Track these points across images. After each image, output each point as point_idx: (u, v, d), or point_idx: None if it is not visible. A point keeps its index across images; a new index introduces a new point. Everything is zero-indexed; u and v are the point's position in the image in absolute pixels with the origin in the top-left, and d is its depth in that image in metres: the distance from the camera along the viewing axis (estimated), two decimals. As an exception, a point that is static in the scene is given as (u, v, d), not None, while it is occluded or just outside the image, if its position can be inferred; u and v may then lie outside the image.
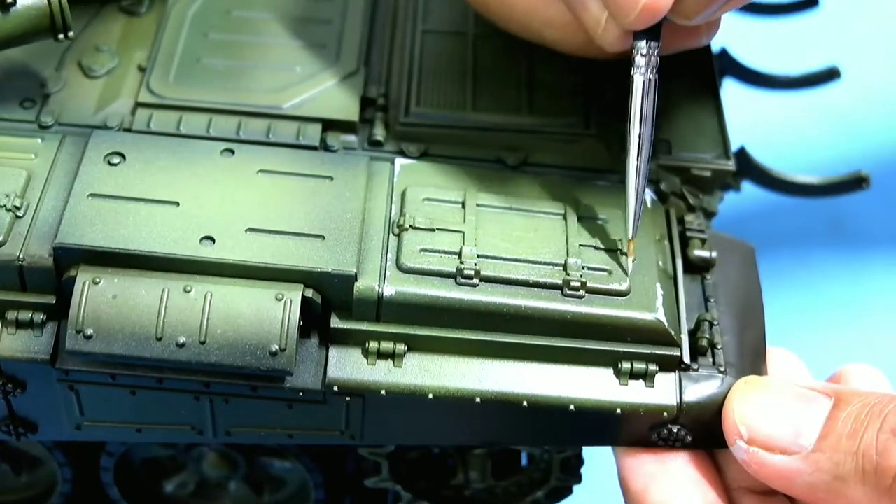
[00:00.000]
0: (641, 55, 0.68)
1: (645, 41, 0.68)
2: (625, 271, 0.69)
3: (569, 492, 0.82)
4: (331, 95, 0.77)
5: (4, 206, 0.67)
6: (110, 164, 0.70)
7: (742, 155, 0.83)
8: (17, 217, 0.67)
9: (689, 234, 0.75)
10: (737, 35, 0.95)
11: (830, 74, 0.96)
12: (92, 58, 0.79)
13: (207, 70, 0.78)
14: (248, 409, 0.70)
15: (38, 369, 0.68)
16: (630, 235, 0.69)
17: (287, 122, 0.75)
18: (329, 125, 0.76)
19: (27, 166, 0.70)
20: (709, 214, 0.78)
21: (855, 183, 0.85)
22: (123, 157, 0.70)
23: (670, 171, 0.77)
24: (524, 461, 0.84)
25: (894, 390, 0.75)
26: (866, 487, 0.63)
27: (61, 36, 0.72)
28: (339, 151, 0.75)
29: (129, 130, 0.74)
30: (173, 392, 0.69)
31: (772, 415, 0.67)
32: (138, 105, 0.76)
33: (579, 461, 0.79)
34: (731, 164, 0.77)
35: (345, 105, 0.77)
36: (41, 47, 0.77)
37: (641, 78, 0.68)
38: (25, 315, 0.67)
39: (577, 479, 0.80)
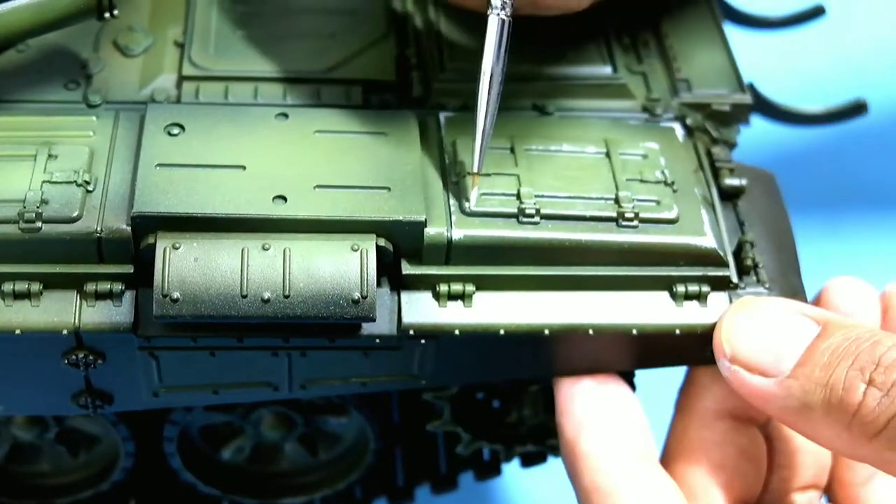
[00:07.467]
0: None
1: None
2: (671, 199, 0.73)
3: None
4: (366, 58, 0.80)
5: (75, 181, 0.69)
6: (170, 134, 0.72)
7: (751, 90, 0.88)
8: (88, 192, 0.69)
9: (717, 164, 0.79)
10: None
11: (857, 108, 0.93)
12: (127, 37, 0.80)
13: (245, 41, 0.80)
14: (325, 361, 0.73)
15: (118, 339, 0.70)
16: (476, 169, 0.70)
17: (330, 85, 0.78)
18: (369, 86, 0.79)
19: (88, 143, 0.72)
20: (730, 146, 0.83)
21: (855, 110, 0.91)
22: (182, 127, 0.72)
23: (693, 108, 0.82)
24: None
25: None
26: (829, 419, 0.65)
27: (107, 15, 0.74)
28: (382, 109, 0.78)
29: (178, 103, 0.76)
30: (253, 350, 0.71)
31: (756, 337, 0.69)
32: (183, 79, 0.77)
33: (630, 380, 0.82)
34: (747, 98, 0.83)
35: (381, 66, 0.80)
36: (73, 31, 0.78)
37: (496, 18, 0.69)
38: (104, 286, 0.69)
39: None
